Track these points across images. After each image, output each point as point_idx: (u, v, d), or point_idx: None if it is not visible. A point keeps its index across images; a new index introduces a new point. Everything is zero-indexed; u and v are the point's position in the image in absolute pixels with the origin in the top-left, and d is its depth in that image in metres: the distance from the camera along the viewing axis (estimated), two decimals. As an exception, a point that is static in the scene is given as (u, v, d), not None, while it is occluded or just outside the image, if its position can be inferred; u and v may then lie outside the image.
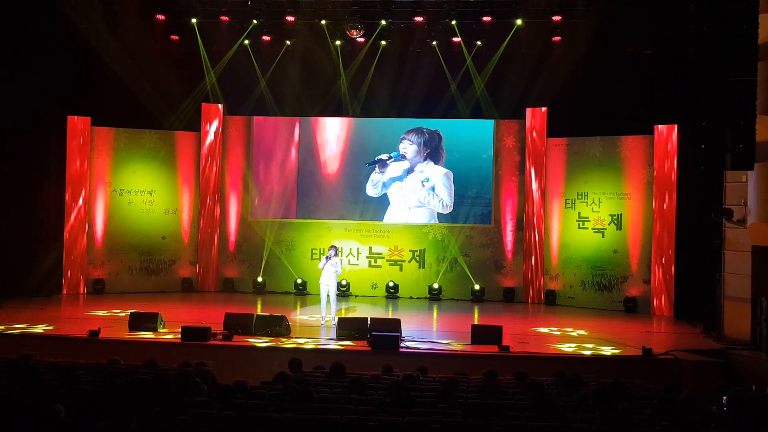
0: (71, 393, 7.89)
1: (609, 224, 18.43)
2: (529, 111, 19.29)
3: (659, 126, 17.62)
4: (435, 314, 17.92)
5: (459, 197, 19.72)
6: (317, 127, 20.33)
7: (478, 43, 18.80)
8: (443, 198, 19.65)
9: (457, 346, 13.23)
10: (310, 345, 13.11)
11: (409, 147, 19.66)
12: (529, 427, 7.08)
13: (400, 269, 19.90)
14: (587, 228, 18.74)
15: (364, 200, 19.98)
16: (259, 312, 15.57)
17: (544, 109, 19.13)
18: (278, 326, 13.63)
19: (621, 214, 18.28)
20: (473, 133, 19.79)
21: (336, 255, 15.19)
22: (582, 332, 15.07)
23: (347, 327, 13.66)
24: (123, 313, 15.07)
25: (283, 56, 19.49)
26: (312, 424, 7.07)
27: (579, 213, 18.86)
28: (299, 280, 19.64)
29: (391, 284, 19.64)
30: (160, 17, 18.59)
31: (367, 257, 20.03)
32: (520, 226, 19.45)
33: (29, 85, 17.47)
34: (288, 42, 19.33)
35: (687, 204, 17.00)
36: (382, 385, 8.88)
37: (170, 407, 7.44)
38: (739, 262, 14.00)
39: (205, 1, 18.33)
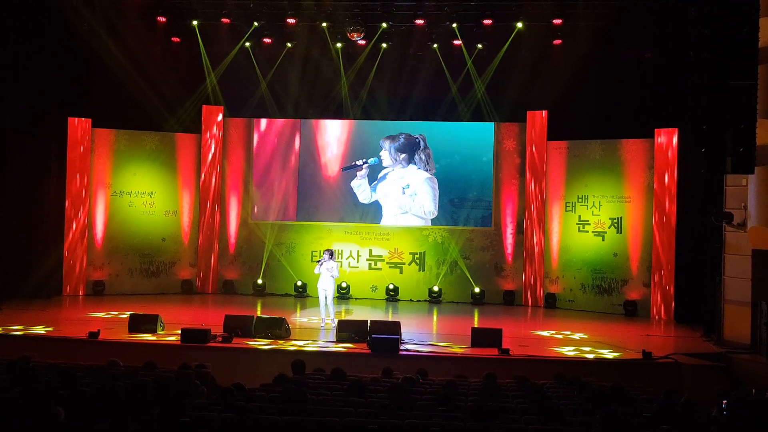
0: (71, 395, 7.88)
1: (609, 227, 18.43)
2: (529, 114, 19.29)
3: (659, 129, 17.62)
4: (435, 317, 17.92)
5: (459, 200, 19.73)
6: (318, 129, 20.33)
7: (479, 46, 18.80)
8: (424, 204, 19.62)
9: (457, 349, 13.23)
10: (309, 347, 13.10)
11: (383, 152, 19.69)
12: (529, 430, 7.08)
13: (400, 272, 19.90)
14: (587, 231, 18.73)
15: (364, 203, 19.97)
16: (258, 314, 15.57)
17: (544, 112, 19.14)
18: (278, 328, 13.63)
19: (621, 218, 18.28)
20: (474, 136, 19.80)
21: (331, 258, 15.15)
22: (582, 335, 15.08)
23: (347, 329, 13.66)
24: (123, 315, 15.05)
25: (284, 58, 19.49)
26: (311, 426, 7.06)
27: (579, 216, 18.86)
28: (299, 283, 19.64)
29: (391, 287, 19.63)
30: (161, 19, 18.58)
31: (367, 260, 20.03)
32: (521, 229, 19.45)
33: (30, 86, 17.48)
34: (289, 44, 19.33)
35: (687, 207, 16.99)
36: (381, 387, 8.87)
37: (170, 409, 7.43)
38: (739, 265, 13.99)
39: (206, 3, 18.31)
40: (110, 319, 15.46)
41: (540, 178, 19.17)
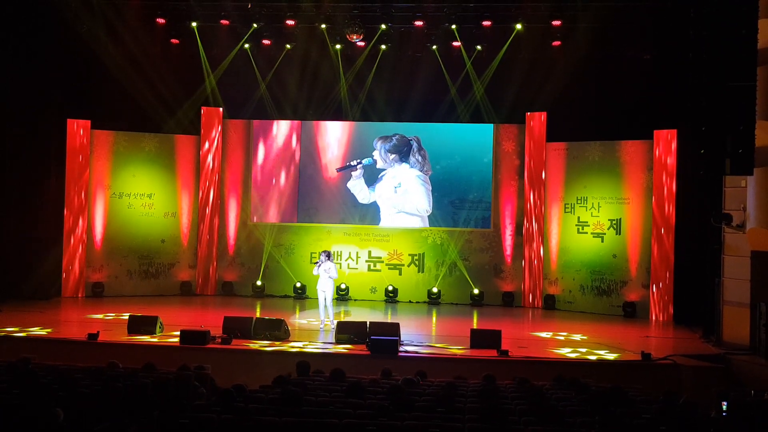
0: (70, 396, 7.88)
1: (608, 229, 18.44)
2: (528, 115, 19.30)
3: (659, 131, 17.63)
4: (434, 318, 17.91)
5: (459, 201, 19.74)
6: (317, 130, 20.34)
7: (478, 47, 18.82)
8: (416, 202, 19.65)
9: (457, 351, 13.23)
10: (308, 349, 13.10)
11: (375, 153, 19.71)
12: (528, 432, 7.08)
13: (400, 273, 19.90)
14: (586, 233, 18.74)
15: (364, 204, 19.97)
16: (258, 316, 15.59)
17: (543, 113, 19.14)
18: (277, 330, 13.63)
19: (620, 219, 18.29)
20: (473, 138, 19.80)
21: (329, 260, 15.13)
22: (581, 337, 15.08)
23: (346, 331, 13.66)
24: (122, 317, 15.05)
25: (283, 60, 19.50)
26: (310, 427, 7.06)
27: (578, 218, 18.87)
28: (298, 284, 19.64)
29: (390, 288, 19.63)
30: (161, 21, 18.57)
31: (367, 261, 20.03)
32: (520, 231, 19.45)
33: (29, 87, 17.51)
34: (288, 46, 19.33)
35: (686, 209, 17.01)
36: (380, 389, 8.87)
37: (169, 411, 7.43)
38: (738, 267, 14.00)
39: (206, 4, 18.31)
40: (109, 321, 15.46)
41: (539, 179, 19.18)
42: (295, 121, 20.31)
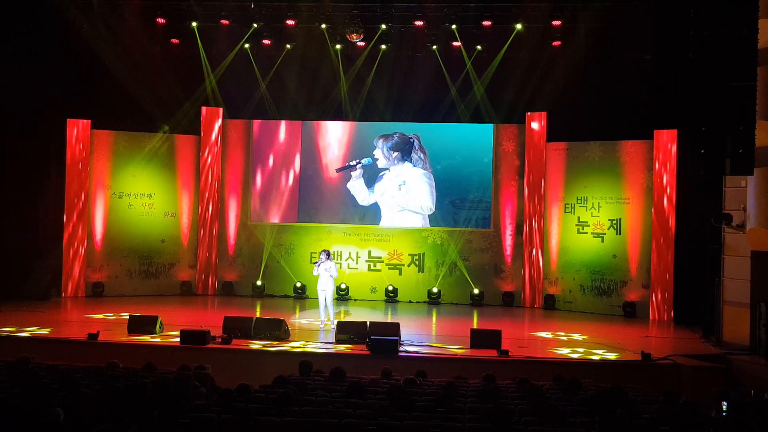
0: (70, 396, 7.89)
1: (608, 229, 18.44)
2: (528, 115, 19.30)
3: (659, 131, 17.63)
4: (434, 318, 17.91)
5: (459, 201, 19.74)
6: (318, 130, 20.34)
7: (478, 47, 18.81)
8: (421, 199, 19.66)
9: (457, 351, 13.23)
10: (309, 349, 13.10)
11: (377, 152, 19.72)
12: (528, 432, 7.08)
13: (400, 273, 19.90)
14: (586, 233, 18.75)
15: (362, 205, 19.98)
16: (258, 315, 15.60)
17: (543, 113, 19.14)
18: (277, 330, 13.63)
19: (620, 219, 18.29)
20: (473, 138, 19.80)
21: (329, 259, 15.11)
22: (581, 337, 15.08)
23: (346, 331, 13.66)
24: (122, 316, 15.05)
25: (283, 60, 19.49)
26: (310, 427, 7.06)
27: (578, 218, 18.87)
28: (298, 284, 19.64)
29: (390, 288, 19.63)
30: (161, 21, 18.55)
31: (367, 261, 20.03)
32: (520, 231, 19.46)
33: (29, 87, 17.49)
34: (288, 46, 19.33)
35: (686, 209, 17.01)
36: (381, 389, 8.87)
37: (169, 410, 7.43)
38: (738, 267, 14.01)
39: (206, 4, 18.31)
40: (110, 321, 15.46)
41: (539, 179, 19.18)
42: (296, 121, 20.31)
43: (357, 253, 20.03)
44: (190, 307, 18.32)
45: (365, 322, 13.82)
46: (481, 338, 13.40)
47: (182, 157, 20.12)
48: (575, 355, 13.19)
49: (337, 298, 17.37)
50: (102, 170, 19.35)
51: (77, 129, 18.92)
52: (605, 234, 18.47)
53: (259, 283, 19.91)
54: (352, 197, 19.93)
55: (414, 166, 19.63)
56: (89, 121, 19.03)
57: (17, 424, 6.90)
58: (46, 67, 17.77)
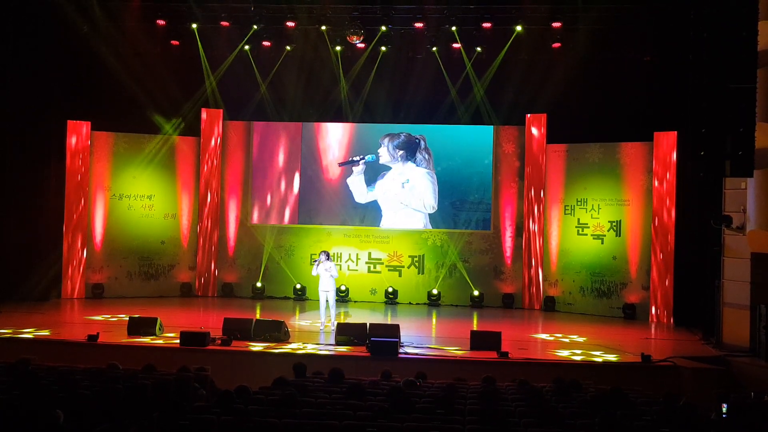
0: (70, 398, 7.88)
1: (608, 231, 18.44)
2: (528, 117, 19.31)
3: (659, 133, 17.64)
4: (434, 320, 17.90)
5: (459, 202, 19.74)
6: (318, 132, 20.34)
7: (478, 49, 18.78)
8: (424, 197, 19.68)
9: (457, 352, 13.22)
10: (309, 350, 13.10)
11: (382, 150, 19.74)
12: (528, 434, 7.08)
13: (399, 275, 19.90)
14: (586, 234, 18.75)
15: (364, 206, 19.98)
16: (258, 317, 15.58)
17: (543, 115, 19.15)
18: (277, 331, 13.63)
19: (620, 221, 18.29)
20: (473, 139, 19.81)
21: (328, 259, 15.08)
22: (581, 339, 15.08)
23: (346, 332, 13.65)
24: (122, 318, 15.04)
25: (284, 62, 19.47)
26: (310, 429, 7.06)
27: (578, 219, 18.88)
28: (298, 286, 19.64)
29: (390, 290, 19.63)
30: (161, 22, 18.55)
31: (367, 263, 20.03)
32: (520, 232, 19.46)
33: (29, 89, 17.51)
34: (288, 47, 19.31)
35: (686, 211, 17.01)
36: (380, 390, 8.87)
37: (169, 412, 7.43)
38: (738, 269, 14.01)
39: (206, 6, 18.32)
40: (109, 322, 15.45)
41: (539, 181, 19.18)
42: (296, 123, 20.31)
43: (357, 254, 20.02)
44: (189, 309, 18.32)
45: (365, 324, 13.81)
46: (481, 340, 13.40)
47: (182, 158, 20.12)
48: (575, 357, 13.18)
49: (336, 300, 17.34)
50: (102, 172, 19.35)
51: (77, 130, 18.91)
52: (605, 236, 18.48)
53: (258, 284, 19.91)
54: (352, 197, 19.92)
55: (417, 165, 19.66)
56: (89, 122, 19.02)
57: (17, 426, 6.90)
58: (46, 67, 17.79)
